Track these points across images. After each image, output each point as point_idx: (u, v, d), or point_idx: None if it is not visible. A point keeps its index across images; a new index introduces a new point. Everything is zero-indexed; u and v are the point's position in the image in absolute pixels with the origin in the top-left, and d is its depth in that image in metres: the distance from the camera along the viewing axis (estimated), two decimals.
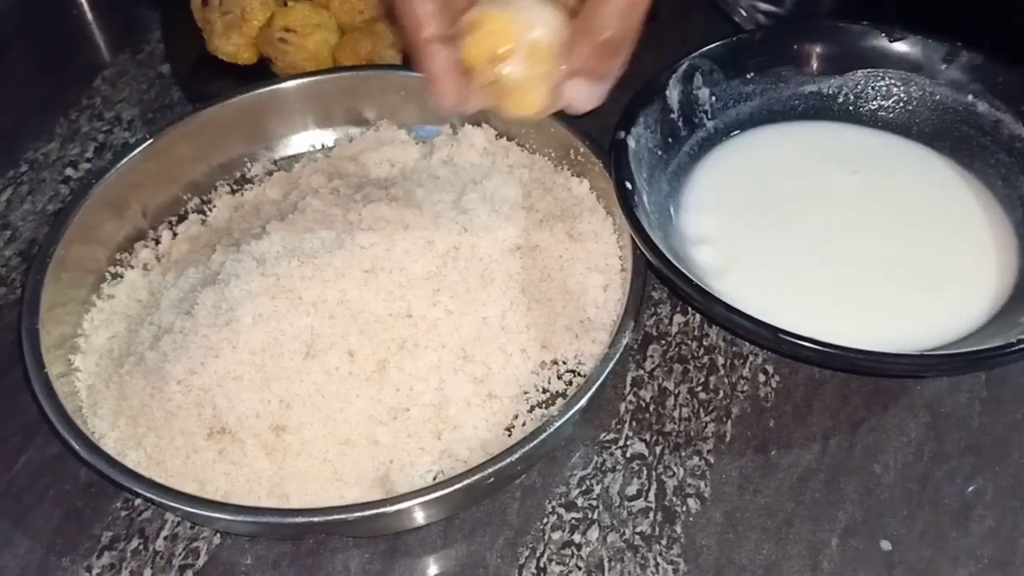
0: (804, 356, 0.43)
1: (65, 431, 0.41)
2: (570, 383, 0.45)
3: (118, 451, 0.42)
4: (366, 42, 0.59)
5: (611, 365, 0.41)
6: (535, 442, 0.39)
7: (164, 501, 0.39)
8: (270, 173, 0.56)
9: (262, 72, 0.61)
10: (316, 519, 0.38)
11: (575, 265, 0.49)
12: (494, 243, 0.48)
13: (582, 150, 0.51)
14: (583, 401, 0.40)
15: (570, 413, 0.40)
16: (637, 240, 0.44)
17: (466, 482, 0.38)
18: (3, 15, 0.70)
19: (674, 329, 0.49)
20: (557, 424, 0.39)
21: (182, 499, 0.39)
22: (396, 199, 0.48)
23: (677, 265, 0.42)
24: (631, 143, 0.48)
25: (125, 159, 0.51)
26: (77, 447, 0.40)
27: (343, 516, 0.38)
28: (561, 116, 0.52)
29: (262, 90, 0.55)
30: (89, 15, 0.70)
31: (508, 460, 0.38)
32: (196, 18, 0.63)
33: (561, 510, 0.42)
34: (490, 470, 0.38)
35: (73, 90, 0.64)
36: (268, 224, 0.48)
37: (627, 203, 0.45)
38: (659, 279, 0.50)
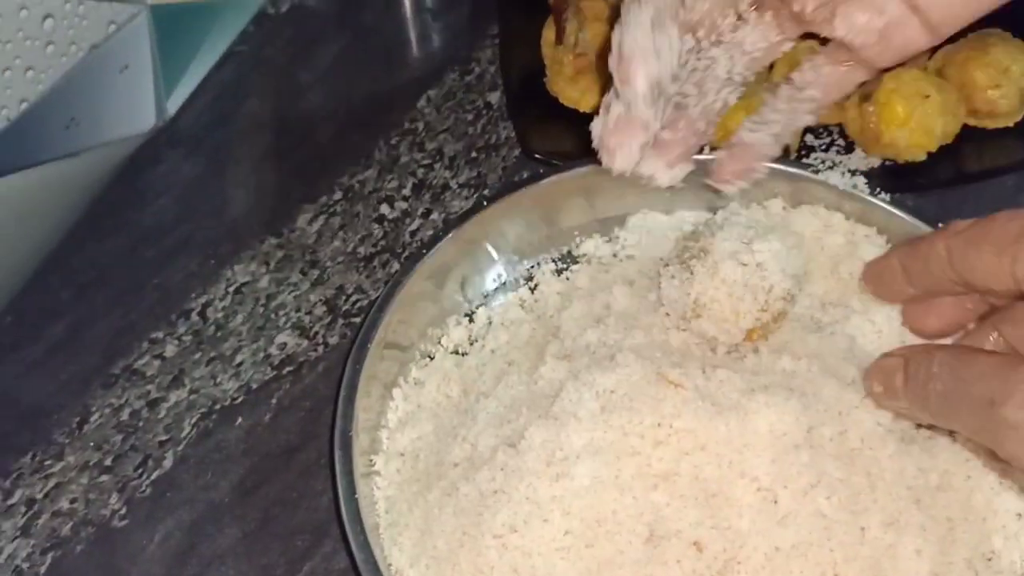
0: None
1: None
2: None
3: None
4: (739, 115, 0.50)
5: None
6: None
7: None
8: (601, 257, 0.48)
9: None
10: None
11: (984, 477, 0.38)
12: (887, 431, 0.38)
13: None
14: None
15: None
16: None
17: None
18: (320, 11, 0.65)
19: None
20: None
21: None
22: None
23: None
24: None
25: (456, 229, 0.46)
26: None
27: None
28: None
29: None
30: (413, 18, 0.65)
31: None
32: (544, 55, 0.56)
33: None
34: None
35: (397, 108, 0.59)
36: (619, 353, 0.40)
37: None
38: None
